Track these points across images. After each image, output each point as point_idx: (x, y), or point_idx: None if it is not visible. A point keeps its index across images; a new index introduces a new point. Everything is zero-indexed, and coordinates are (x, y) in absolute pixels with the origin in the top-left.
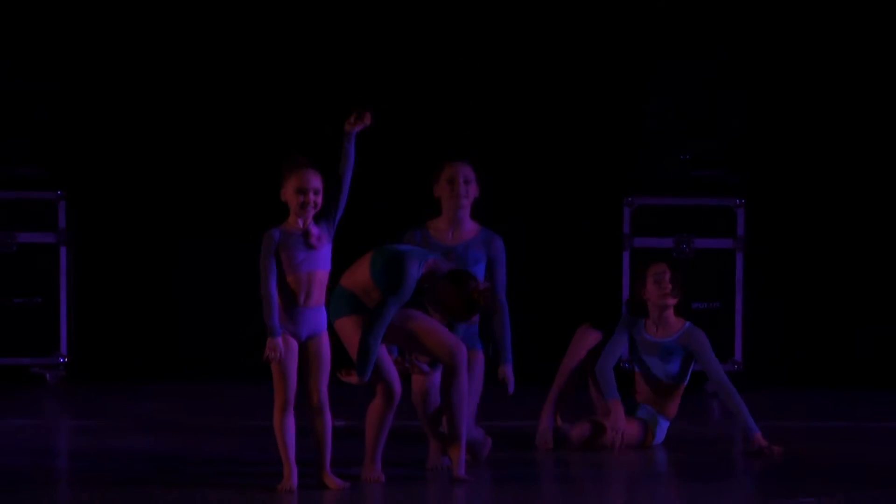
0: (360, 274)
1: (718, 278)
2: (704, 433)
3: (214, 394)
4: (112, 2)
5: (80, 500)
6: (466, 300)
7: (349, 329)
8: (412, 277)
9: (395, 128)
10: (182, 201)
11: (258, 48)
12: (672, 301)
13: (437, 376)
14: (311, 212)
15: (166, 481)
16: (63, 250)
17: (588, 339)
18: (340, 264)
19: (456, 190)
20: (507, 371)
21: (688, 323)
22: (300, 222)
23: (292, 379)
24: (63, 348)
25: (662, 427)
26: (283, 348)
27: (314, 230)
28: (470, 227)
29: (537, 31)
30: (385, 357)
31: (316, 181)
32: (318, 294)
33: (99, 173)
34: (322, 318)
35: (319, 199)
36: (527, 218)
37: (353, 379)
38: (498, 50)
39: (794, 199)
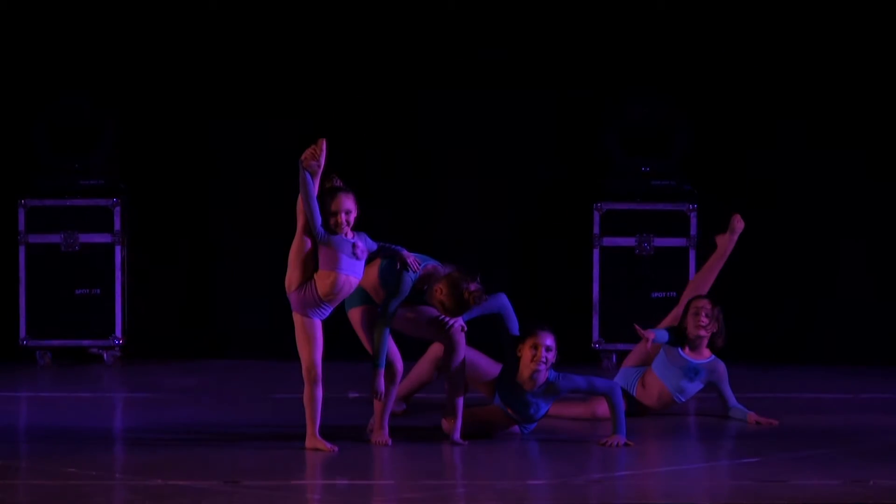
0: (371, 275)
1: (674, 272)
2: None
3: (246, 370)
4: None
5: (135, 459)
6: (459, 299)
7: (359, 318)
8: (408, 281)
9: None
10: (216, 207)
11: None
12: (705, 333)
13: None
14: (346, 229)
15: (206, 444)
16: (118, 249)
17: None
18: None
19: (339, 220)
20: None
21: (714, 356)
22: (343, 234)
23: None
24: (118, 332)
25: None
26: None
27: (360, 243)
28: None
29: (531, 68)
30: (389, 340)
31: (348, 203)
32: (343, 297)
33: (147, 184)
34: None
35: (352, 218)
36: (513, 222)
37: (377, 379)
38: (496, 85)
39: (736, 204)
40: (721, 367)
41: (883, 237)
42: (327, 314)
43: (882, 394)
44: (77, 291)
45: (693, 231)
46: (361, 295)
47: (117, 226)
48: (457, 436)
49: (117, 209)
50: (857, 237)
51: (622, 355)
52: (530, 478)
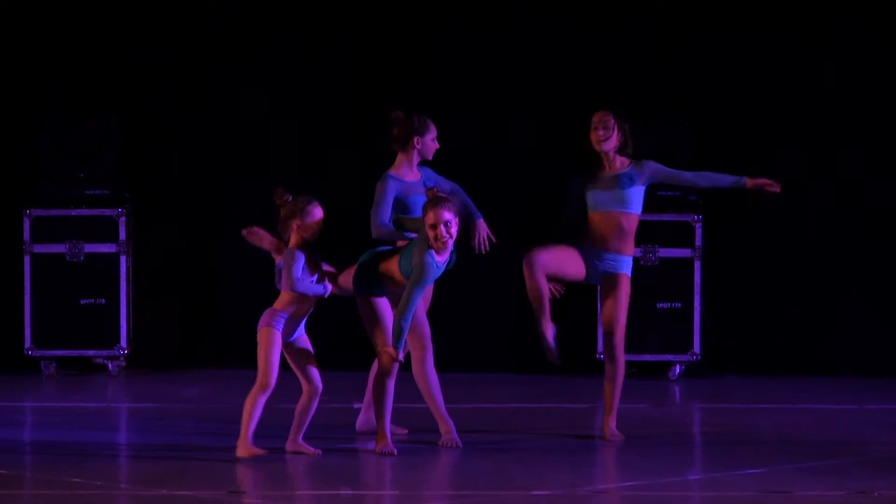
0: (392, 263)
1: (679, 282)
2: (664, 416)
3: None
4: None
5: (139, 469)
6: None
7: (366, 308)
8: (430, 266)
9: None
10: (219, 216)
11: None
12: (607, 147)
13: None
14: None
15: (211, 454)
16: (123, 258)
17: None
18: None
19: (434, 146)
20: (481, 223)
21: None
22: (305, 253)
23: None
24: (123, 342)
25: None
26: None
27: (325, 266)
28: (420, 168)
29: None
30: (387, 326)
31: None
32: (307, 312)
33: (152, 194)
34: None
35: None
36: (515, 230)
37: (391, 352)
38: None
39: (742, 215)
40: (650, 163)
41: (890, 245)
42: (298, 329)
43: (888, 405)
44: (82, 301)
45: (698, 242)
46: (377, 283)
47: (122, 235)
48: (454, 435)
49: (122, 219)
50: (863, 246)
51: (627, 366)
52: (535, 488)
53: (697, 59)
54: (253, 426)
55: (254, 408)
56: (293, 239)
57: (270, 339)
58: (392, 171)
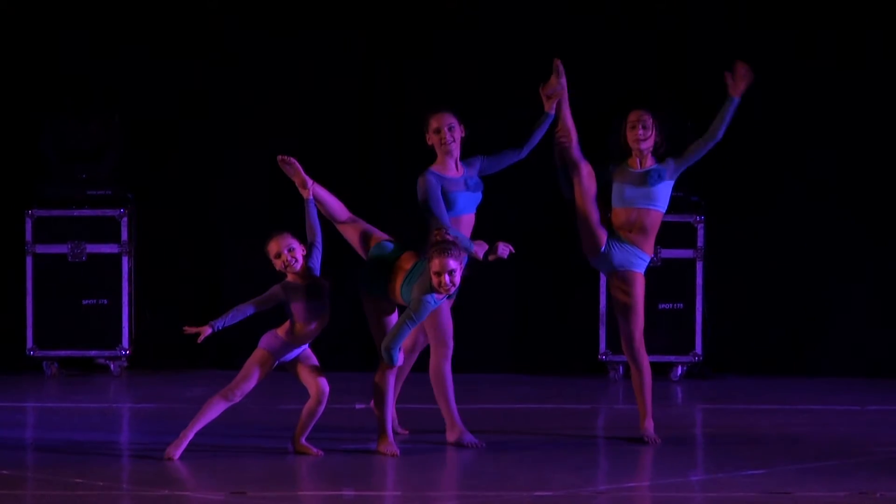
0: (397, 280)
1: (681, 283)
2: (666, 417)
3: None
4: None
5: (141, 470)
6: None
7: (371, 307)
8: (428, 306)
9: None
10: (222, 217)
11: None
12: (646, 146)
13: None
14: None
15: (213, 454)
16: (125, 259)
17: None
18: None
19: (444, 137)
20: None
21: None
22: (299, 278)
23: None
24: (125, 342)
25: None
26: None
27: (324, 283)
28: (461, 162)
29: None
30: (390, 326)
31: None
32: (316, 334)
33: (154, 195)
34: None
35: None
36: (520, 233)
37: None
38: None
39: (743, 216)
40: (671, 159)
41: (891, 246)
42: (299, 349)
43: (890, 406)
44: (84, 302)
45: (700, 242)
46: (382, 285)
47: (124, 236)
48: (464, 437)
49: (124, 219)
50: (864, 247)
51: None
52: (538, 489)
53: (699, 58)
54: (198, 428)
55: (209, 410)
56: (292, 276)
57: (259, 363)
58: (432, 168)
